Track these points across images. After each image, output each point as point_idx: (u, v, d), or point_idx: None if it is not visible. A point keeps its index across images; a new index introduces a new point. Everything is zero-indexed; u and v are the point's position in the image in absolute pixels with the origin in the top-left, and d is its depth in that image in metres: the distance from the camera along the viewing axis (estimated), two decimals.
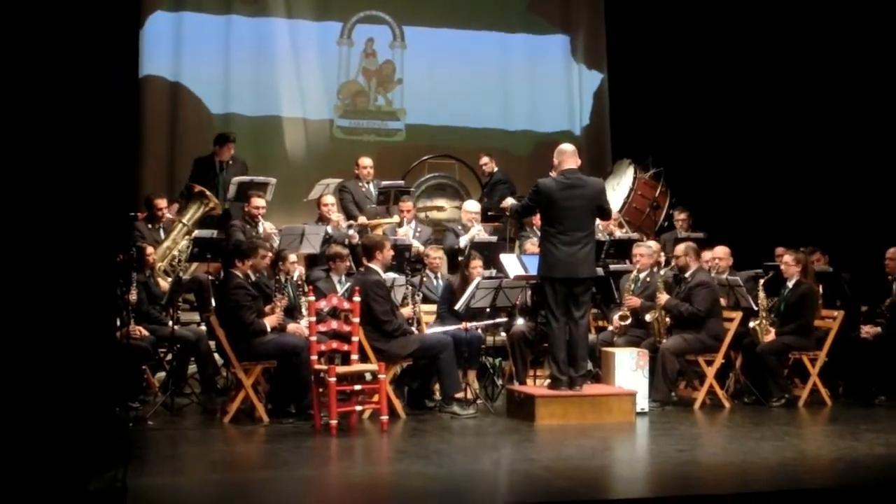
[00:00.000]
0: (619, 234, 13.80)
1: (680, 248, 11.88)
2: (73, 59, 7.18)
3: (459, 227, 13.50)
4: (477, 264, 11.67)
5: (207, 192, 13.30)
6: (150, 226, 12.76)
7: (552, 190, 10.50)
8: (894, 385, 11.83)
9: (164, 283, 11.90)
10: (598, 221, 11.69)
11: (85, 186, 7.18)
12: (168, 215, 12.97)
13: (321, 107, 16.95)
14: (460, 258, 12.44)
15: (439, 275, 12.46)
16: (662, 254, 12.88)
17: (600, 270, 11.69)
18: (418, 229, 13.51)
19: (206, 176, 13.88)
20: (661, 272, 11.99)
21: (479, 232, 13.18)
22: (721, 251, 12.34)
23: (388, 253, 11.02)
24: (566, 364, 10.52)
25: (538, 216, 11.12)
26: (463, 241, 13.06)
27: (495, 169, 15.39)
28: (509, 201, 11.76)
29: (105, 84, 7.40)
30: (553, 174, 10.76)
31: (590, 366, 10.88)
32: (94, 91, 7.28)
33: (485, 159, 15.45)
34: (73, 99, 7.13)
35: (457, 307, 11.36)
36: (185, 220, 12.95)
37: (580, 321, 10.55)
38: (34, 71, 6.98)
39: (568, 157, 10.66)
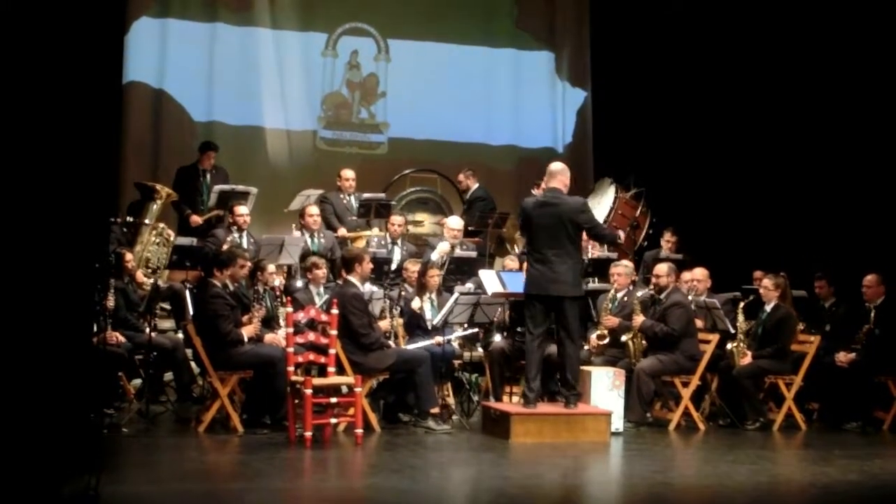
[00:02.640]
0: (597, 252, 13.77)
1: (663, 268, 11.86)
2: (57, 63, 7.16)
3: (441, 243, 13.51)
4: (434, 273, 11.73)
5: (148, 184, 13.30)
6: (125, 230, 12.76)
7: (529, 208, 10.60)
8: (867, 411, 11.87)
9: (143, 280, 11.91)
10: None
11: (65, 191, 7.16)
12: (129, 218, 12.95)
13: (304, 117, 16.93)
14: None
15: None
16: (636, 274, 12.90)
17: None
18: (405, 247, 13.50)
19: (189, 184, 13.89)
20: (639, 293, 11.99)
21: (446, 248, 13.12)
22: (700, 273, 12.36)
23: (367, 266, 11.02)
24: (538, 382, 10.53)
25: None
26: (434, 255, 13.04)
27: (475, 185, 15.39)
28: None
29: (88, 89, 7.39)
30: (535, 192, 10.82)
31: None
32: (77, 95, 7.26)
33: (461, 176, 15.46)
34: (55, 103, 7.11)
35: (434, 322, 11.39)
36: (146, 220, 12.93)
37: (568, 340, 10.53)
38: (17, 75, 6.96)
39: (552, 176, 10.68)
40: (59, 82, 7.15)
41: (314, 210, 13.37)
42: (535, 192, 14.67)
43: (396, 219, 13.57)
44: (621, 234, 11.58)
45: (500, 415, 10.51)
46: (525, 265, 10.83)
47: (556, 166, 10.84)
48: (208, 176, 14.01)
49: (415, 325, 11.61)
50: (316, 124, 17.00)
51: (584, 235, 10.93)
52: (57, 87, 7.14)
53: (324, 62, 17.14)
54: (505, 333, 11.70)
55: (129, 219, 13.00)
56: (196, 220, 13.48)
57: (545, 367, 10.72)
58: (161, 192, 13.23)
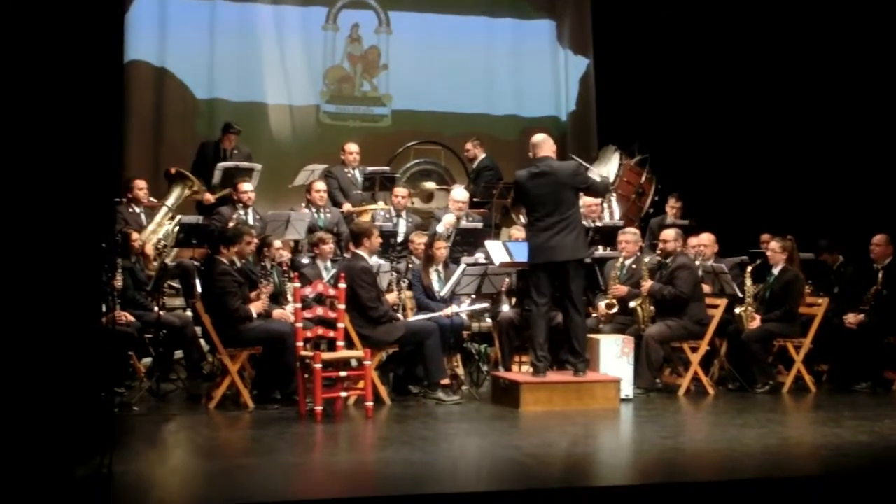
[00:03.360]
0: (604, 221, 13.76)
1: (671, 234, 11.86)
2: (59, 43, 7.16)
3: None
4: (441, 245, 11.73)
5: (188, 174, 13.31)
6: (131, 209, 12.72)
7: (524, 180, 10.64)
8: (877, 372, 11.87)
9: (151, 257, 11.93)
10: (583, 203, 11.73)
11: (69, 172, 7.16)
12: (152, 199, 12.97)
13: (307, 92, 16.89)
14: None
15: None
16: (643, 241, 12.89)
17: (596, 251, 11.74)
18: (409, 219, 13.49)
19: (207, 161, 13.97)
20: (647, 259, 11.99)
21: (452, 220, 13.11)
22: (706, 238, 12.34)
23: (377, 240, 11.04)
24: (546, 350, 10.56)
25: None
26: (440, 227, 13.03)
27: (482, 155, 15.36)
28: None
29: (90, 68, 7.38)
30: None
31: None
32: (79, 75, 7.26)
33: (469, 145, 15.42)
34: (57, 83, 7.11)
35: (442, 293, 11.41)
36: (168, 204, 12.94)
37: (576, 309, 10.62)
38: (17, 55, 6.96)
39: (539, 146, 10.76)
40: (61, 63, 7.15)
41: (320, 185, 13.36)
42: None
43: (400, 190, 13.55)
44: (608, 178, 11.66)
45: (509, 384, 10.53)
46: (525, 236, 10.83)
47: (540, 136, 10.95)
48: (229, 156, 14.04)
49: (428, 297, 11.60)
50: (318, 99, 16.96)
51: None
52: (59, 68, 7.14)
53: (325, 36, 17.09)
54: (513, 302, 11.70)
55: (153, 199, 13.02)
56: (209, 198, 13.48)
57: (553, 336, 10.76)
58: (194, 183, 13.26)
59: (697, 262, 11.90)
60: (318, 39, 17.02)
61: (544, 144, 10.76)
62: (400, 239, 12.80)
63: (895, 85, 13.88)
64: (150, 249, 12.05)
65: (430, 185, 15.49)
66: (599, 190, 11.58)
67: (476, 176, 15.14)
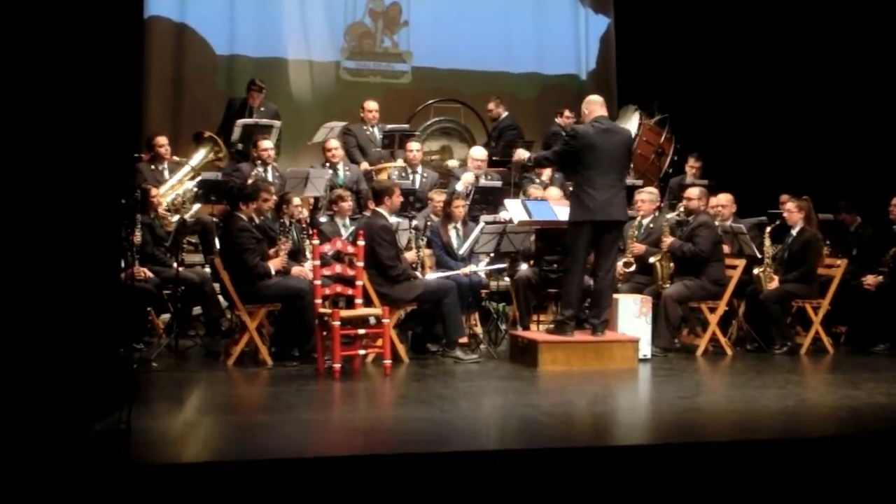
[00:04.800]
0: None
1: (695, 192, 11.81)
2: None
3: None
4: (459, 203, 11.72)
5: (219, 139, 13.32)
6: (153, 166, 12.76)
7: (590, 134, 10.51)
8: (895, 334, 11.85)
9: (166, 215, 11.93)
10: None
11: (89, 128, 7.17)
12: (175, 158, 12.99)
13: (327, 48, 16.85)
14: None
15: None
16: (662, 200, 12.89)
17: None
18: (425, 174, 13.48)
19: (231, 117, 14.03)
20: (668, 216, 11.98)
21: (471, 179, 13.10)
22: (724, 198, 12.31)
23: (398, 199, 11.05)
24: (579, 308, 10.57)
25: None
26: (459, 186, 13.03)
27: (504, 113, 15.32)
28: (523, 154, 11.89)
29: (110, 24, 7.37)
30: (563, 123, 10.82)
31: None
32: (99, 31, 7.25)
33: (491, 104, 15.38)
34: (77, 40, 7.10)
35: (461, 252, 11.42)
36: (193, 164, 12.95)
37: (609, 269, 10.65)
38: (37, 12, 6.95)
39: (598, 105, 10.76)
40: (82, 19, 7.14)
41: (334, 143, 13.39)
42: (558, 120, 14.69)
43: (414, 145, 13.51)
44: None
45: (527, 343, 10.54)
46: (574, 192, 10.74)
47: (597, 97, 10.99)
48: (254, 113, 14.04)
49: (447, 254, 11.60)
50: (339, 55, 16.92)
51: None
52: (80, 24, 7.12)
53: None
54: (531, 262, 11.69)
55: (176, 158, 13.05)
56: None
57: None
58: (222, 149, 13.30)
59: (717, 223, 11.87)
60: None
61: (602, 105, 10.80)
62: (416, 192, 12.79)
63: None
64: (162, 209, 12.04)
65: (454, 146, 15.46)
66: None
67: (499, 135, 15.11)
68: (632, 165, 14.24)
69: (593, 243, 10.55)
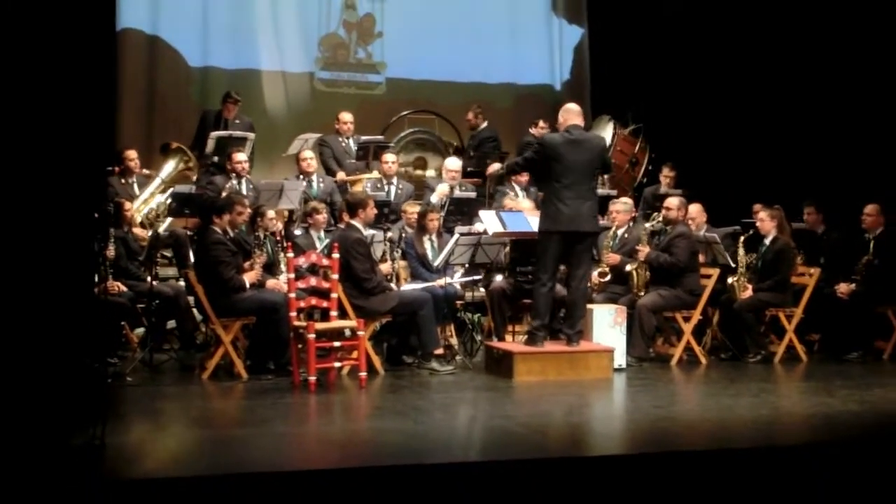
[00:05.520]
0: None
1: (674, 202, 11.79)
2: (49, 11, 7.13)
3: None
4: (434, 216, 11.73)
5: (187, 150, 13.30)
6: (123, 180, 12.73)
7: (558, 144, 10.54)
8: (868, 342, 11.92)
9: (141, 232, 11.89)
10: None
11: (61, 142, 7.15)
12: (145, 171, 12.97)
13: (301, 59, 16.85)
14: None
15: None
16: (636, 210, 12.92)
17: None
18: (400, 186, 13.49)
19: (208, 129, 14.00)
20: (647, 225, 12.00)
21: (445, 190, 13.12)
22: (694, 209, 12.32)
23: (372, 211, 11.04)
24: (548, 321, 10.59)
25: (524, 174, 11.27)
26: (433, 197, 13.05)
27: (483, 124, 15.29)
28: (496, 166, 11.96)
29: (83, 37, 7.35)
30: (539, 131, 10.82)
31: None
32: (71, 44, 7.23)
33: (471, 114, 15.32)
34: (49, 53, 7.08)
35: (436, 263, 11.42)
36: (162, 177, 12.92)
37: (582, 279, 10.64)
38: (8, 24, 6.93)
39: (573, 114, 10.78)
40: (54, 32, 7.13)
41: (308, 154, 13.42)
42: (532, 130, 14.67)
43: (389, 157, 13.53)
44: None
45: (503, 354, 10.55)
46: (543, 202, 10.76)
47: (575, 106, 11.01)
48: (229, 126, 14.02)
49: (422, 266, 11.61)
50: (313, 66, 16.92)
51: None
52: (51, 37, 7.11)
53: (319, 2, 17.03)
54: (506, 273, 11.71)
55: (146, 171, 13.02)
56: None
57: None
58: (191, 159, 13.26)
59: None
60: (313, 6, 16.98)
61: (578, 114, 10.82)
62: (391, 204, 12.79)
63: (884, 56, 13.84)
64: (136, 223, 12.01)
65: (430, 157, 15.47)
66: (610, 168, 11.72)
67: (478, 145, 15.09)
68: (607, 175, 14.28)
69: (563, 254, 10.56)
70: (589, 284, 11.74)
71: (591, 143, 10.74)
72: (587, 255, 10.77)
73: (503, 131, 15.76)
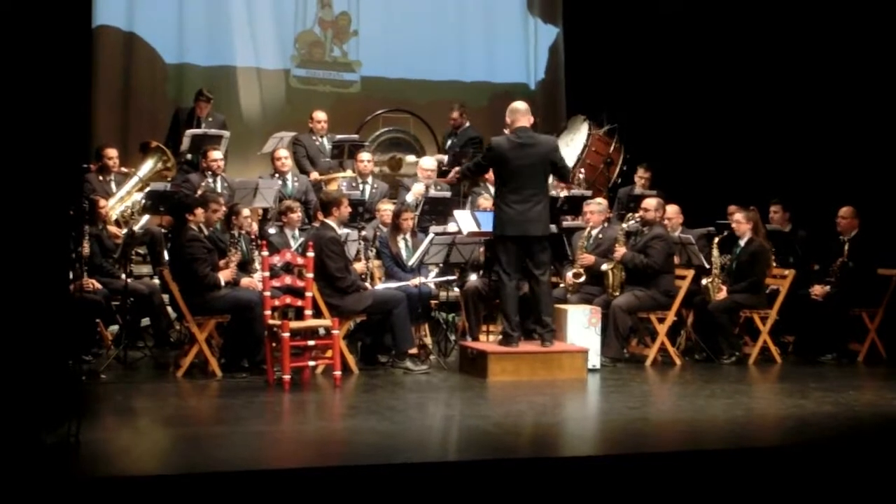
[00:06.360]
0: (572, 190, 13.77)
1: (652, 202, 11.80)
2: (25, 7, 7.11)
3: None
4: (408, 216, 11.73)
5: (165, 150, 13.26)
6: (101, 177, 12.66)
7: (504, 149, 10.54)
8: (842, 344, 11.97)
9: (115, 230, 11.83)
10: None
11: (36, 139, 7.12)
12: (123, 169, 12.91)
13: (276, 56, 16.76)
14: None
15: None
16: (611, 211, 12.93)
17: (554, 228, 11.67)
18: (375, 185, 13.48)
19: (179, 127, 13.94)
20: (623, 225, 11.99)
21: (420, 189, 13.12)
22: (671, 210, 12.36)
23: (346, 210, 11.03)
24: (518, 321, 10.60)
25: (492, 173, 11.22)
26: (409, 197, 13.04)
27: (466, 124, 15.23)
28: (452, 174, 11.99)
29: (58, 34, 7.33)
30: (506, 132, 10.76)
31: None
32: (46, 42, 7.21)
33: (455, 113, 15.21)
34: (24, 50, 7.06)
35: (410, 263, 11.42)
36: (141, 175, 12.87)
37: (541, 279, 10.63)
38: None
39: (521, 115, 10.69)
40: (29, 29, 7.10)
41: (283, 153, 13.39)
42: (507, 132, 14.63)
43: (364, 156, 13.52)
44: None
45: (477, 354, 10.56)
46: (494, 205, 10.81)
47: (522, 105, 10.89)
48: (202, 124, 13.96)
49: (397, 265, 11.60)
50: (289, 63, 16.84)
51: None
52: (26, 35, 7.09)
53: (295, 0, 16.98)
54: (480, 272, 11.72)
55: (124, 169, 12.96)
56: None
57: (521, 306, 10.77)
58: (170, 158, 13.20)
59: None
60: (289, 3, 16.88)
61: (525, 114, 10.73)
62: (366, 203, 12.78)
63: (861, 59, 13.89)
64: (111, 220, 11.96)
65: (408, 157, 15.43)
66: (566, 175, 11.63)
67: (463, 144, 15.03)
68: (581, 175, 14.30)
69: (520, 255, 10.58)
70: (563, 284, 11.81)
71: (539, 146, 10.64)
72: (544, 256, 10.70)
73: (479, 129, 15.75)
